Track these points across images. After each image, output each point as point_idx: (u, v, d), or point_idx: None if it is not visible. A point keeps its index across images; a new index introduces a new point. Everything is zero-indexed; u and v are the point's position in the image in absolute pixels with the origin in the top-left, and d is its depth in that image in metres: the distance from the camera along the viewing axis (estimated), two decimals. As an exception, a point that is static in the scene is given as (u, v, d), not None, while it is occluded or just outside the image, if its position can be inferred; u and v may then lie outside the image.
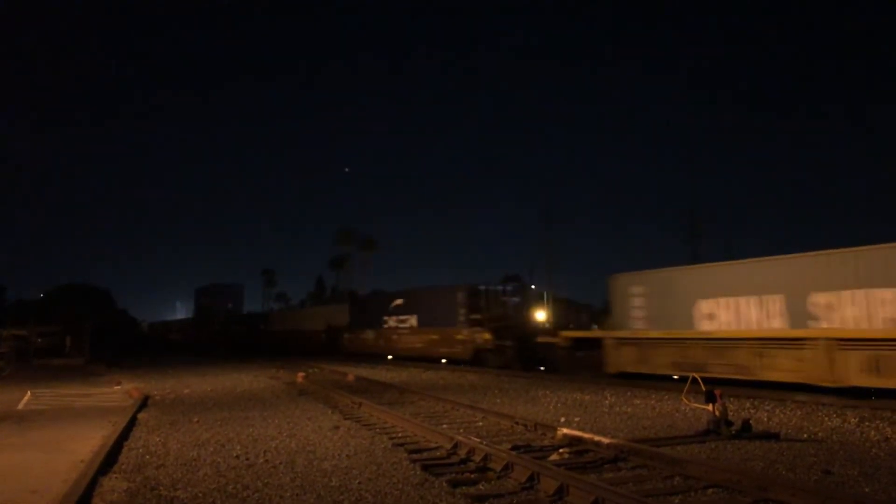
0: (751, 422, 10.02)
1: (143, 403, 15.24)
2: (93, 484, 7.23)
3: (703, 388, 10.22)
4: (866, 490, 6.78)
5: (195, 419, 12.60)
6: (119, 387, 19.64)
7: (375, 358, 33.85)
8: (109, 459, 8.65)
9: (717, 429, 9.78)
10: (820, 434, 10.03)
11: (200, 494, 6.94)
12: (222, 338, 64.63)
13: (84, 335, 40.06)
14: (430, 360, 29.25)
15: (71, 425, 11.91)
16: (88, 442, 9.87)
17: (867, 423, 10.82)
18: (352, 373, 22.91)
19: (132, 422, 12.21)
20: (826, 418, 11.47)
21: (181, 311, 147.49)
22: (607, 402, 14.56)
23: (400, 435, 10.35)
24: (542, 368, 23.77)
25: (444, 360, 28.83)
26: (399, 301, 33.60)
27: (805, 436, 9.91)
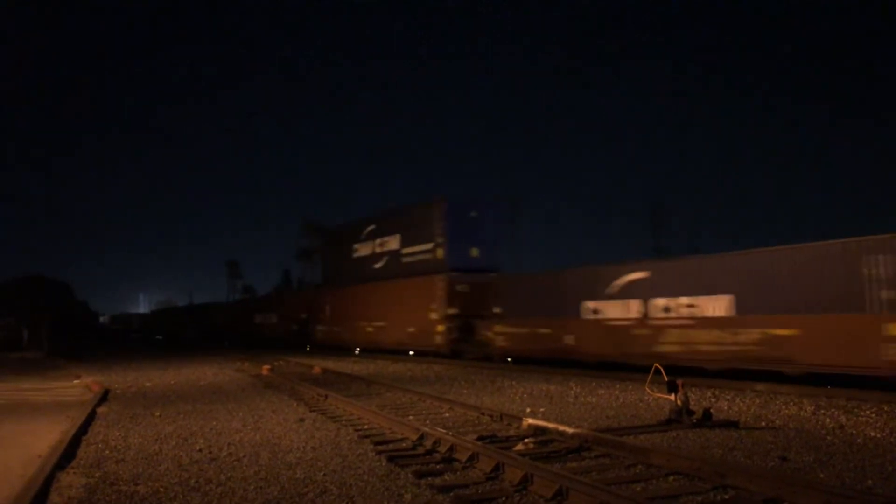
0: (711, 411, 10.21)
1: (104, 397, 14.93)
2: (50, 479, 7.05)
3: (666, 378, 10.38)
4: (821, 476, 6.96)
5: (157, 413, 12.39)
6: (78, 380, 19.22)
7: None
8: (67, 454, 8.44)
9: (679, 418, 9.95)
10: (777, 422, 10.28)
11: (161, 489, 6.83)
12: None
13: (42, 328, 39.12)
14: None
15: (27, 420, 11.62)
16: (46, 437, 9.63)
17: (823, 411, 11.12)
18: (318, 365, 22.77)
19: (91, 416, 11.95)
20: (783, 406, 11.75)
21: (144, 304, 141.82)
22: (572, 392, 14.71)
23: (366, 427, 10.32)
24: None
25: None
26: None
27: (763, 424, 10.14)
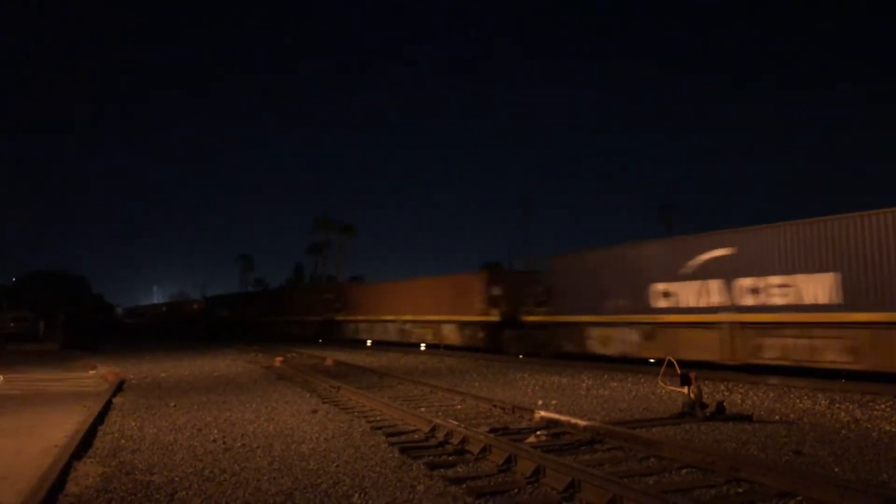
0: (724, 404, 10.17)
1: (119, 388, 15.09)
2: (67, 469, 7.15)
3: (679, 371, 10.33)
4: (836, 470, 6.92)
5: (172, 403, 12.51)
6: (94, 371, 19.41)
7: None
8: (84, 444, 8.55)
9: (692, 411, 9.92)
10: (791, 416, 10.22)
11: (177, 478, 6.90)
12: None
13: (58, 320, 39.51)
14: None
15: (44, 410, 11.76)
16: (62, 427, 9.74)
17: (837, 405, 11.04)
18: (330, 357, 22.87)
19: (107, 406, 12.08)
20: (797, 400, 11.68)
21: (158, 296, 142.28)
22: (584, 385, 14.69)
23: (378, 418, 10.36)
24: None
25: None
26: None
27: (777, 417, 10.09)
